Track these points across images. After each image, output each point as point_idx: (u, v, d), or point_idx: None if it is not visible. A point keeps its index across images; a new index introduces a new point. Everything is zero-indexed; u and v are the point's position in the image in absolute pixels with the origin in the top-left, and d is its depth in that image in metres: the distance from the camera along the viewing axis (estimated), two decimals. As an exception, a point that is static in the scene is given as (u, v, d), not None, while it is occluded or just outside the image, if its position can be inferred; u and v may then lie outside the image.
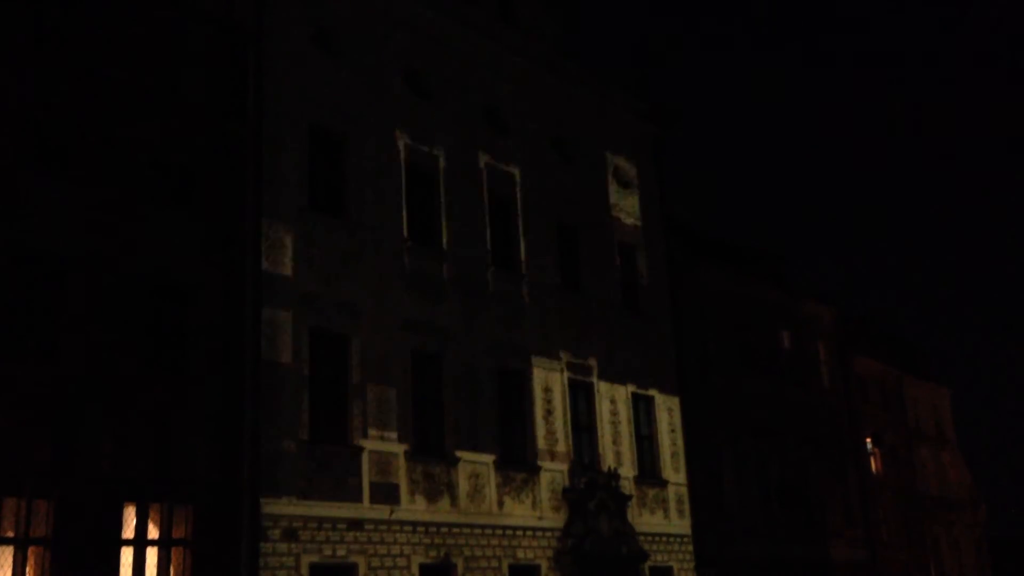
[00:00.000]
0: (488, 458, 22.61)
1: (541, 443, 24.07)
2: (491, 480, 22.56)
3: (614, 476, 25.35)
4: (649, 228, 29.81)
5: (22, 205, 16.34)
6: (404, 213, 22.59)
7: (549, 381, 24.85)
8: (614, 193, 28.87)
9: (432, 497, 21.20)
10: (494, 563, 22.00)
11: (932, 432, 49.51)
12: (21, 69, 16.84)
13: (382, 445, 20.50)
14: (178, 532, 17.19)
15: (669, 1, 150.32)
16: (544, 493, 23.72)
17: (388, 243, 21.96)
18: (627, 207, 29.19)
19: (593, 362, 26.32)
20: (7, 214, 16.13)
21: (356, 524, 19.60)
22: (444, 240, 23.37)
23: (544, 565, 23.09)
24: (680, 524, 27.52)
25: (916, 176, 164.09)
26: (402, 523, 20.40)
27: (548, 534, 23.46)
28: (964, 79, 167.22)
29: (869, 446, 42.09)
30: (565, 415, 24.96)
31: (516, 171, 25.79)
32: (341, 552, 19.22)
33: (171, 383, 17.74)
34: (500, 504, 22.60)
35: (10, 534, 15.36)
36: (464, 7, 25.26)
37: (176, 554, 17.13)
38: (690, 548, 27.52)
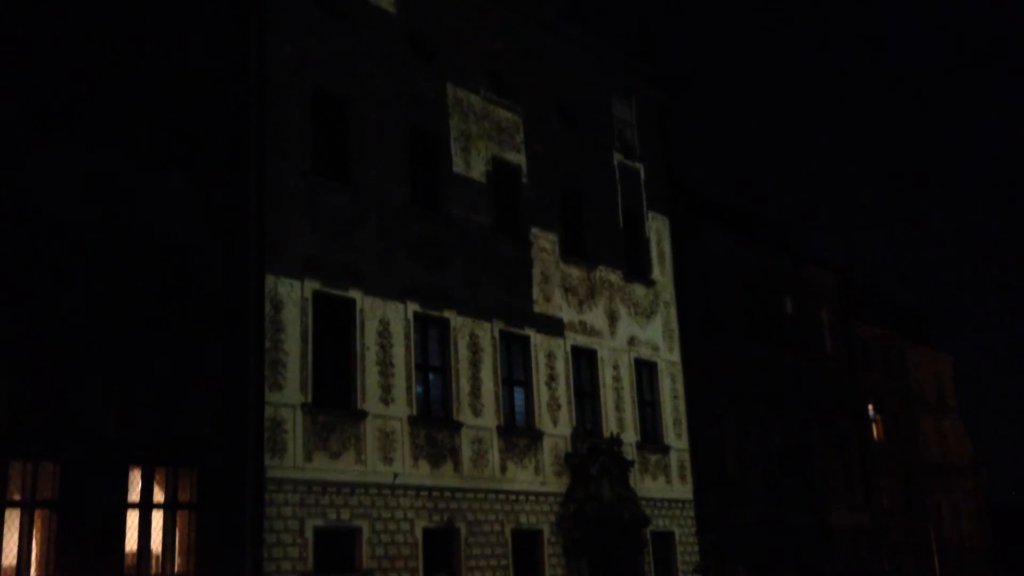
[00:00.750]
0: (491, 423, 22.70)
1: (544, 409, 24.16)
2: (494, 445, 22.66)
3: (616, 441, 25.45)
4: (654, 192, 29.74)
5: (24, 168, 16.29)
6: (408, 176, 22.55)
7: (552, 346, 24.89)
8: (619, 158, 28.77)
9: (435, 462, 21.30)
10: (496, 527, 22.15)
11: (934, 399, 49.60)
12: (22, 32, 16.73)
13: (385, 409, 20.58)
14: (183, 495, 17.30)
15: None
16: (547, 458, 23.83)
17: (392, 206, 21.92)
18: (633, 171, 29.10)
19: (596, 328, 26.35)
20: (9, 177, 16.09)
21: (360, 488, 19.71)
22: (448, 204, 23.34)
23: (546, 530, 23.24)
24: (682, 489, 27.66)
25: (920, 144, 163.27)
26: (406, 487, 20.51)
27: (550, 499, 23.60)
28: (969, 43, 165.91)
29: (871, 412, 42.20)
30: (568, 381, 25.02)
31: (520, 135, 25.71)
32: (345, 516, 19.36)
33: (175, 346, 17.77)
34: (503, 469, 22.71)
35: (17, 497, 15.44)
36: (469, -30, 25.07)
37: (181, 517, 17.25)
38: (691, 513, 27.68)
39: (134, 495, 16.68)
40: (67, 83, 17.14)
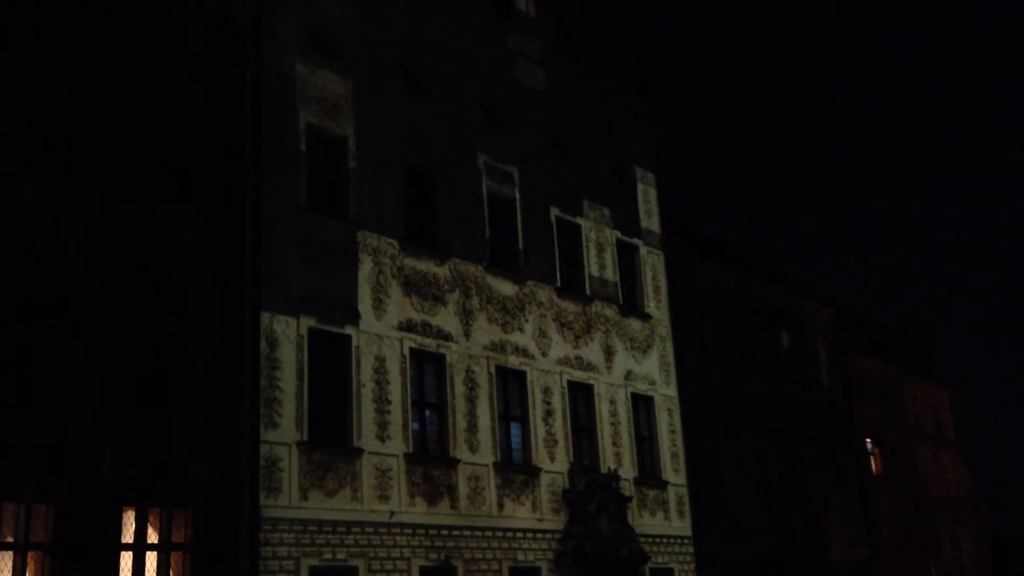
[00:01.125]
0: (488, 459, 22.55)
1: (540, 444, 24.01)
2: (491, 482, 22.50)
3: (614, 477, 25.29)
4: (648, 226, 29.76)
5: (19, 204, 16.25)
6: (403, 212, 22.55)
7: (548, 382, 24.79)
8: (612, 192, 28.81)
9: (432, 500, 21.14)
10: (494, 565, 21.94)
11: (931, 431, 49.47)
12: (19, 68, 16.78)
13: (382, 447, 20.45)
14: (177, 536, 17.12)
15: None
16: (544, 495, 23.66)
17: (387, 242, 21.91)
18: (624, 206, 29.12)
19: (592, 363, 26.26)
20: (4, 213, 16.04)
21: (356, 527, 19.54)
22: (442, 240, 23.32)
23: (544, 567, 23.02)
24: (680, 525, 27.46)
25: (916, 174, 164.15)
26: (402, 526, 20.34)
27: (548, 536, 23.40)
28: (966, 76, 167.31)
29: (869, 446, 42.06)
30: (564, 416, 24.89)
31: (515, 170, 25.75)
32: (341, 555, 19.17)
33: (170, 385, 17.65)
34: (500, 506, 22.54)
35: (10, 539, 15.30)
36: (462, 6, 25.23)
37: (175, 558, 17.07)
38: (690, 549, 27.45)
39: (128, 536, 16.49)
40: (63, 121, 17.15)
